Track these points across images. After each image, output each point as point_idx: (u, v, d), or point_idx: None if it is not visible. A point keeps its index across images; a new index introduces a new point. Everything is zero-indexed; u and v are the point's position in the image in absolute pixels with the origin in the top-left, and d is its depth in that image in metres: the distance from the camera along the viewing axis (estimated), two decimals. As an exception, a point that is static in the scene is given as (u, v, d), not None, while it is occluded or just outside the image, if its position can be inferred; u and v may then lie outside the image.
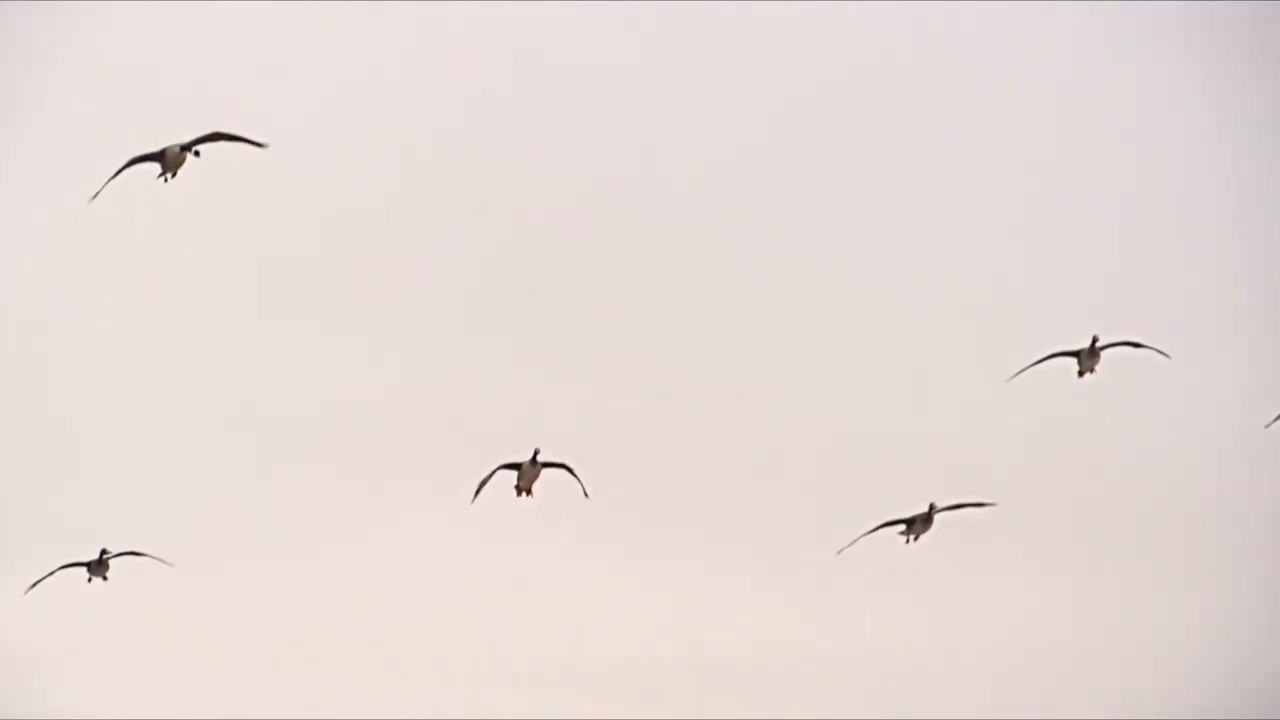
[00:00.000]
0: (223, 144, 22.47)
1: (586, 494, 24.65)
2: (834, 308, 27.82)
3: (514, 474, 24.53)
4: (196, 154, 22.53)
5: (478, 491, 24.35)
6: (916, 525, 25.11)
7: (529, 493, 24.92)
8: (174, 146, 22.41)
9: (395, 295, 27.66)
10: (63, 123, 26.11)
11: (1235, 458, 27.56)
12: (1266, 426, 25.26)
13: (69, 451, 27.37)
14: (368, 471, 26.99)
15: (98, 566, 25.14)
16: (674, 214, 27.03)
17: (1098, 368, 25.77)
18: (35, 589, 24.93)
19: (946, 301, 28.51)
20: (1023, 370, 25.68)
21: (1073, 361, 25.69)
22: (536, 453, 24.50)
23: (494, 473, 24.44)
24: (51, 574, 25.02)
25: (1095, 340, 25.61)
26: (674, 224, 27.24)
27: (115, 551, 25.05)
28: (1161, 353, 25.52)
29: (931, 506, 25.04)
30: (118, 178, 22.69)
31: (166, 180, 22.76)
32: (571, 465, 24.53)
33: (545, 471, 24.37)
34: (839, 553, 25.18)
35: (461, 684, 27.16)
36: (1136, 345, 25.76)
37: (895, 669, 27.62)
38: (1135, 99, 27.69)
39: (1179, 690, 26.96)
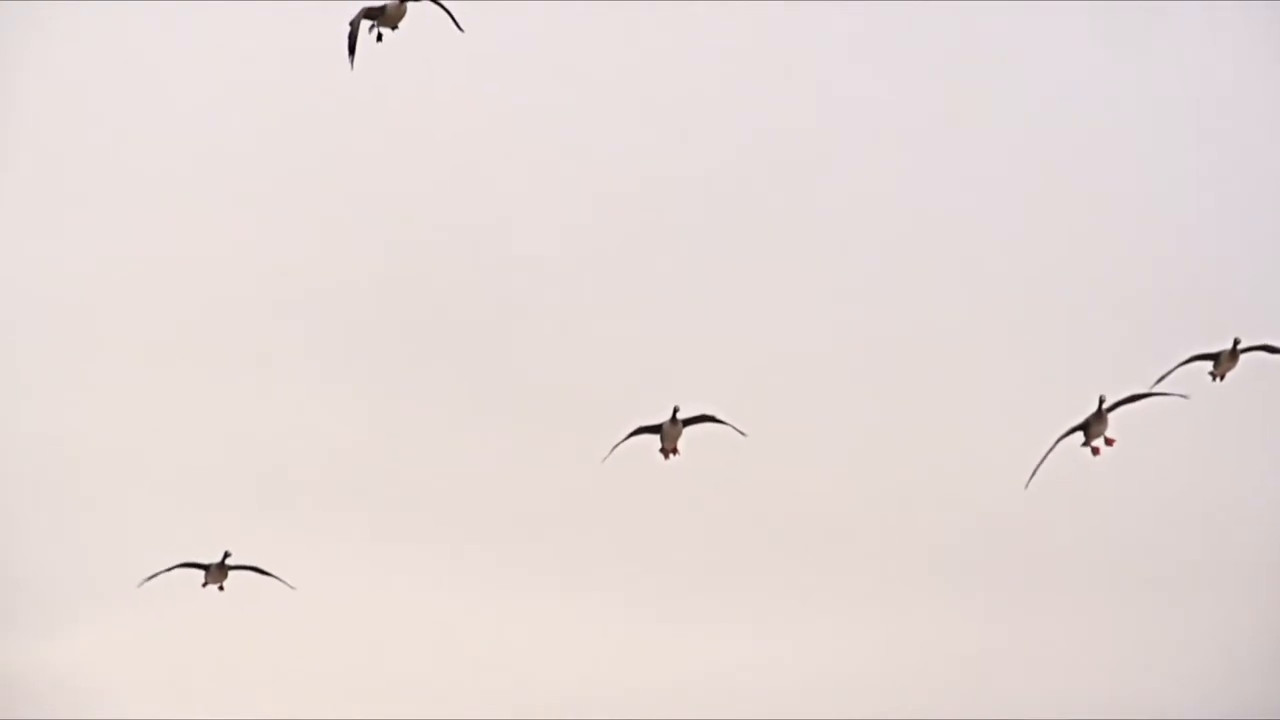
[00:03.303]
0: None
1: (743, 433, 23.07)
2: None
3: (656, 437, 23.18)
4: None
5: (611, 450, 22.92)
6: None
7: (675, 452, 23.38)
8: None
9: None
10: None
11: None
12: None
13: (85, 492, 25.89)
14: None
15: (217, 571, 23.10)
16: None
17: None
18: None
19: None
20: (1163, 376, 24.60)
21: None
22: (676, 410, 23.27)
23: (631, 435, 23.09)
24: (169, 570, 23.13)
25: (1237, 343, 24.73)
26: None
27: (239, 562, 23.18)
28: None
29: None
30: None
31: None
32: (714, 413, 23.14)
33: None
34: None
35: None
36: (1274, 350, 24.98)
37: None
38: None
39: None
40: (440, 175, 27.28)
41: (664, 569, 26.81)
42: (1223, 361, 24.66)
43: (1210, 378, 24.61)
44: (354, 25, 22.23)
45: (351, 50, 22.08)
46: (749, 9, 27.06)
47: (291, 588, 23.90)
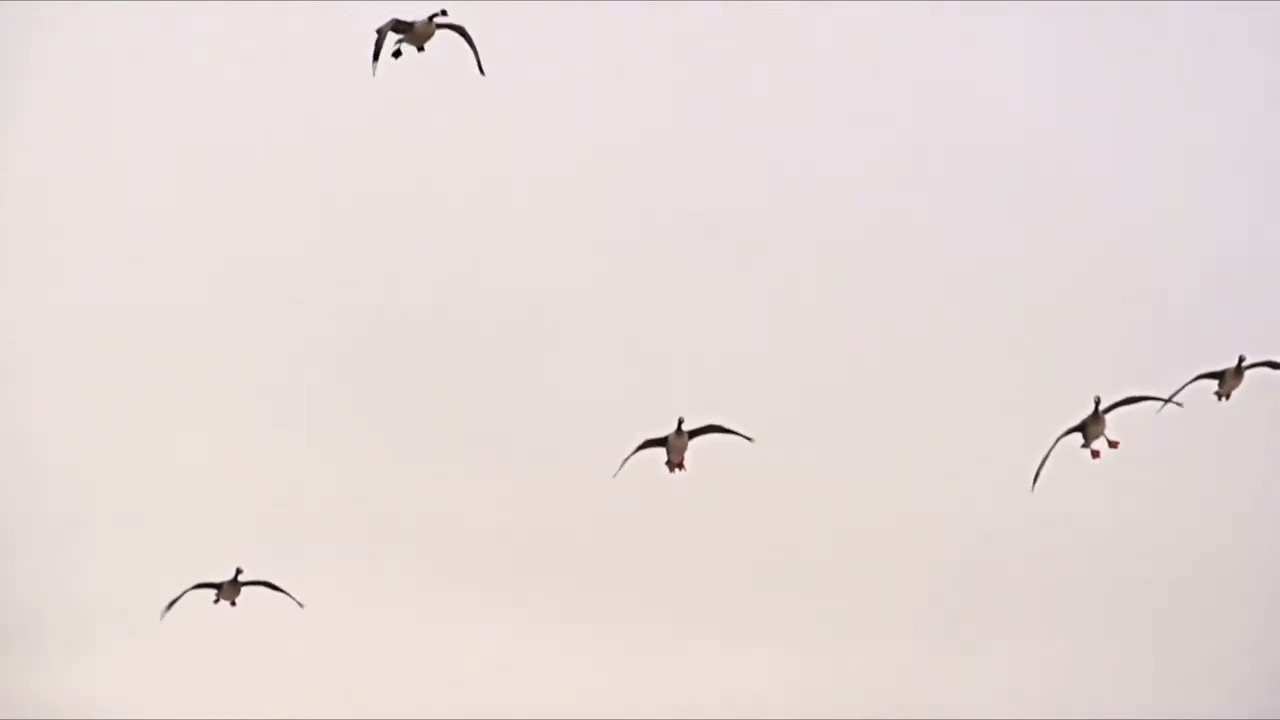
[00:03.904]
0: None
1: (750, 439, 23.13)
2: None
3: (661, 450, 23.21)
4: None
5: (620, 466, 23.03)
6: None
7: (681, 466, 23.39)
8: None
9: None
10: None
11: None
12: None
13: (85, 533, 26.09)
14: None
15: (230, 588, 23.22)
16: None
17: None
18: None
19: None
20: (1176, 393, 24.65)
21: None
22: (681, 422, 23.28)
23: (637, 450, 23.12)
24: (185, 593, 23.27)
25: (1241, 360, 24.75)
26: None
27: (250, 578, 23.33)
28: None
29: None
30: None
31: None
32: (720, 423, 23.18)
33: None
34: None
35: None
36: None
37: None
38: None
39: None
40: (433, 221, 27.53)
41: (658, 600, 26.80)
42: (1228, 380, 24.56)
43: (1216, 397, 24.63)
44: (381, 34, 22.41)
45: (375, 56, 22.27)
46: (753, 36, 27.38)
47: (300, 605, 24.12)
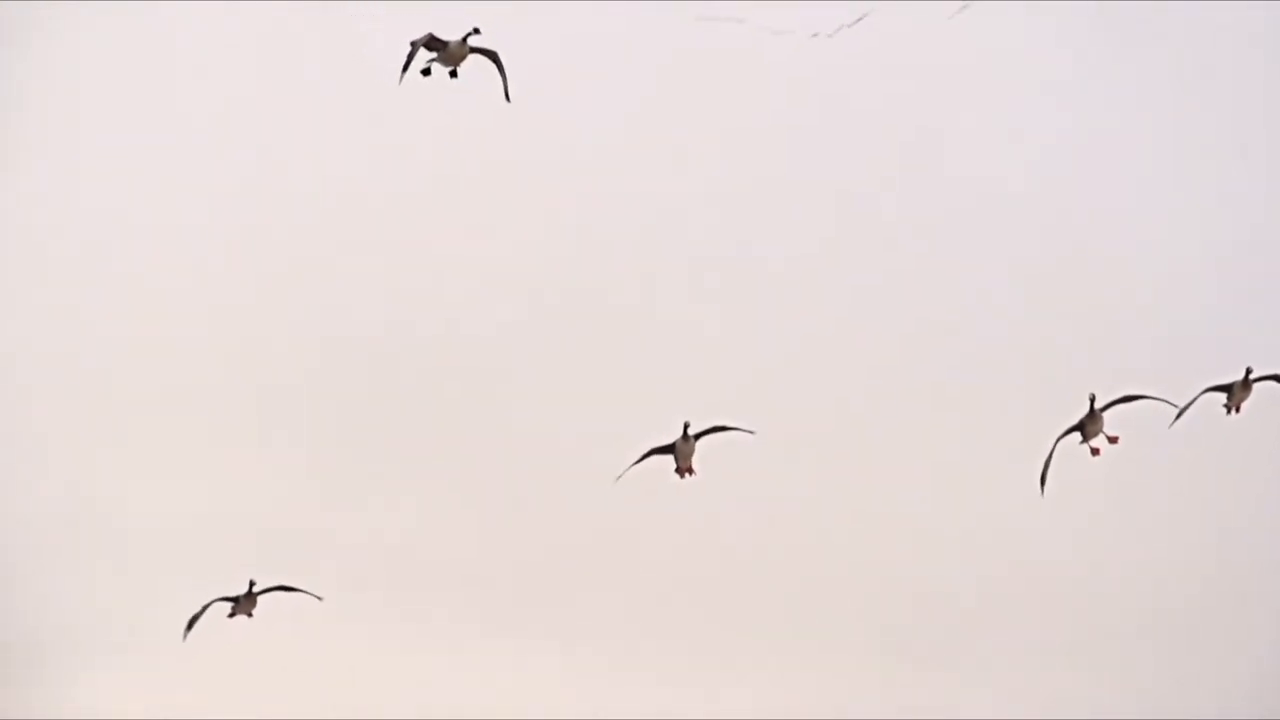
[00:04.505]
0: None
1: (751, 432, 23.25)
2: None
3: (670, 457, 23.34)
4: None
5: (624, 472, 23.18)
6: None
7: (691, 471, 23.48)
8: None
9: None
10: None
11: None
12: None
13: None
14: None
15: (246, 601, 23.43)
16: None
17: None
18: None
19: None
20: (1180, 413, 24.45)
21: None
22: (687, 426, 23.41)
23: (644, 457, 23.27)
24: (205, 609, 23.54)
25: (1249, 372, 24.63)
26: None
27: (264, 586, 23.63)
28: None
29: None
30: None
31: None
32: (725, 423, 23.30)
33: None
34: None
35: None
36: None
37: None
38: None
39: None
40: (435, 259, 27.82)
41: (657, 631, 26.78)
42: (1236, 392, 24.46)
43: (1225, 410, 24.51)
44: (414, 47, 22.32)
45: (405, 68, 22.21)
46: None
47: (319, 598, 24.33)
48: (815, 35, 26.63)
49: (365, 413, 26.95)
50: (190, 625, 23.49)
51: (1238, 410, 24.42)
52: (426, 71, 22.60)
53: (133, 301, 26.97)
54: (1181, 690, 26.17)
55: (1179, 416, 23.96)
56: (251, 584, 23.93)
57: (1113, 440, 23.69)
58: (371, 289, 27.24)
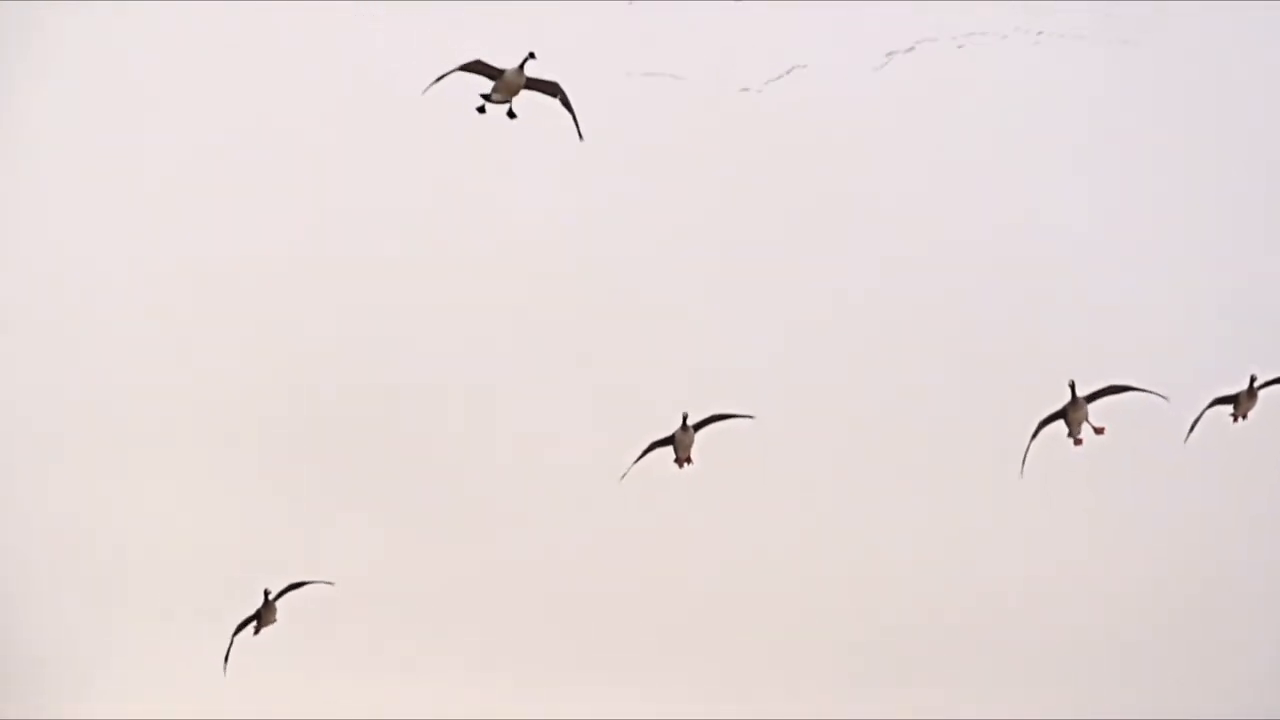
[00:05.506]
0: None
1: (751, 416, 23.48)
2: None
3: (669, 449, 23.61)
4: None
5: (629, 468, 23.38)
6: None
7: (690, 460, 23.73)
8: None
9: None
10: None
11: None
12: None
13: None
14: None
15: (267, 611, 23.76)
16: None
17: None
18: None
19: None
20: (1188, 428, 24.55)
21: None
22: (685, 416, 23.67)
23: (646, 452, 23.52)
24: (232, 641, 23.95)
25: (1253, 380, 24.81)
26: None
27: (278, 590, 23.81)
28: None
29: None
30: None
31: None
32: (724, 411, 23.56)
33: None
34: None
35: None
36: None
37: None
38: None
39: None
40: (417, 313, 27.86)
41: (629, 665, 26.83)
42: (1242, 401, 24.75)
43: (1232, 419, 24.70)
44: (465, 69, 21.06)
45: (439, 79, 20.99)
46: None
47: (330, 584, 24.47)
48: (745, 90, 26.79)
49: (336, 450, 26.99)
50: (225, 660, 23.82)
51: (1244, 418, 24.73)
52: (482, 109, 21.30)
53: (106, 345, 26.96)
54: (1181, 690, 26.25)
55: (1191, 431, 24.22)
56: (266, 593, 24.12)
57: (1099, 431, 23.89)
58: (343, 315, 27.23)
